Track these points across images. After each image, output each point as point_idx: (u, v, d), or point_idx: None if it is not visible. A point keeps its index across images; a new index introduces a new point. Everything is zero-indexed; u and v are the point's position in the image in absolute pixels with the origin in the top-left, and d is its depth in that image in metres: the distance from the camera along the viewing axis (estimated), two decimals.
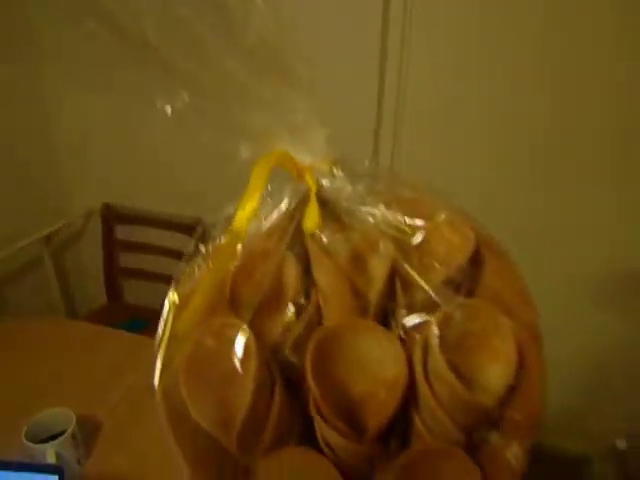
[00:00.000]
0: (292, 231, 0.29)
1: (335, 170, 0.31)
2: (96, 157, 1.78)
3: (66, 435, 0.80)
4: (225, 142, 0.29)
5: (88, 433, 0.88)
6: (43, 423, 0.83)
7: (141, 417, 0.95)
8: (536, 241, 1.33)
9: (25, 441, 0.78)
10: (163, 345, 0.27)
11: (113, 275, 1.87)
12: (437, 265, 0.28)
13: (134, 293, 1.94)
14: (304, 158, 0.31)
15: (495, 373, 0.25)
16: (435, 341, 0.23)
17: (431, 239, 0.28)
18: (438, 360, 0.23)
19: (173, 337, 0.27)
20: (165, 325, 0.27)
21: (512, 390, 0.25)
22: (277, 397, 0.25)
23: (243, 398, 0.25)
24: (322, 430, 0.25)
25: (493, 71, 1.22)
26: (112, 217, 1.82)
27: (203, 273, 0.27)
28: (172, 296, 0.28)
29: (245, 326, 0.25)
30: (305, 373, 0.25)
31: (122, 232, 1.84)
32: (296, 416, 0.27)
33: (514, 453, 0.24)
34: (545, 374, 0.25)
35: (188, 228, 1.64)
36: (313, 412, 0.26)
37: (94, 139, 1.73)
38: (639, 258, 1.32)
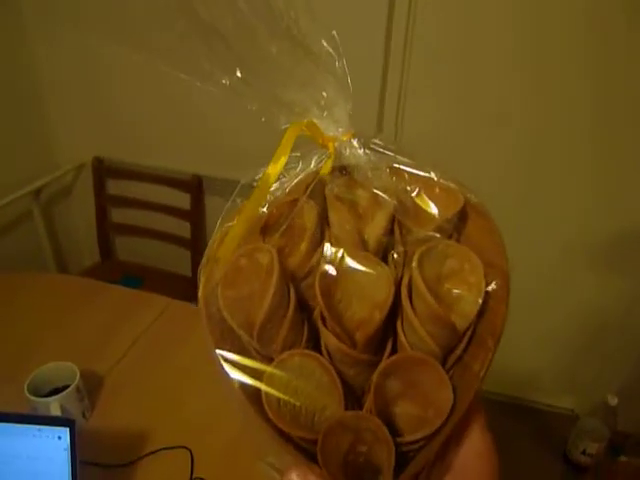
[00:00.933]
0: (314, 185, 0.37)
1: (353, 141, 0.38)
2: (87, 109, 1.70)
3: (71, 388, 0.80)
4: (266, 113, 0.37)
5: (90, 388, 0.90)
6: (45, 377, 0.82)
7: (143, 371, 0.99)
8: (534, 210, 1.40)
9: (28, 394, 0.77)
10: (208, 265, 0.34)
11: (105, 231, 1.78)
12: (430, 217, 0.34)
13: (127, 250, 1.88)
14: (329, 130, 0.38)
15: (468, 301, 0.31)
16: (415, 264, 0.29)
17: (426, 198, 0.35)
18: (417, 279, 0.29)
19: (215, 260, 0.34)
20: (209, 250, 0.35)
21: (481, 314, 0.31)
22: (290, 311, 0.32)
23: (263, 307, 0.31)
24: (324, 336, 0.32)
25: (495, 51, 1.30)
26: (103, 171, 1.74)
27: (240, 211, 0.35)
28: (217, 229, 0.35)
29: (272, 248, 0.32)
30: (315, 291, 0.31)
31: (114, 187, 1.76)
32: (304, 331, 0.34)
33: (479, 365, 0.30)
34: (508, 304, 0.31)
35: (182, 184, 1.61)
36: (319, 323, 0.32)
37: (84, 90, 1.66)
38: (630, 225, 1.38)
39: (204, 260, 0.35)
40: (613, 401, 1.41)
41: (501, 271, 0.32)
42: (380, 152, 0.38)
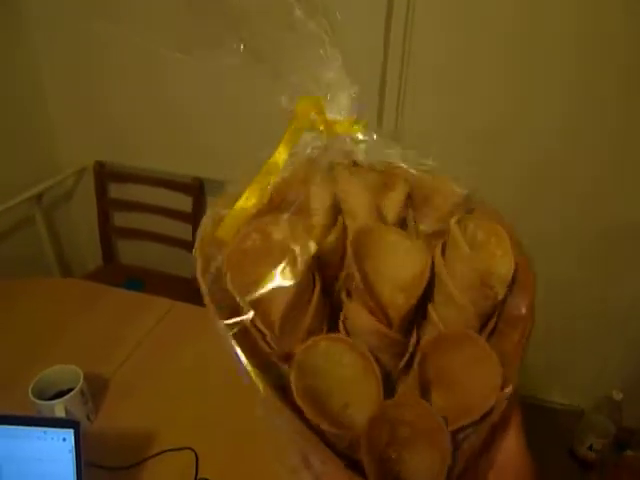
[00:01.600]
0: (322, 168, 0.36)
1: (357, 126, 0.37)
2: (88, 113, 1.69)
3: (75, 391, 0.79)
4: (270, 95, 0.36)
5: (95, 391, 0.88)
6: (49, 380, 0.81)
7: (147, 373, 0.97)
8: (532, 209, 1.39)
9: (32, 397, 0.76)
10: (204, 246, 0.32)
11: (107, 235, 1.77)
12: (442, 201, 0.33)
13: (129, 253, 1.87)
14: (332, 114, 0.37)
15: (500, 271, 0.30)
16: (455, 227, 0.28)
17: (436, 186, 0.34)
18: (457, 236, 0.28)
19: (213, 240, 0.32)
20: (204, 229, 0.33)
21: (513, 286, 0.30)
22: (316, 297, 0.30)
23: (288, 292, 0.29)
24: (353, 315, 0.30)
25: (500, 34, 1.26)
26: (105, 175, 1.73)
27: (246, 188, 0.33)
28: (212, 209, 0.34)
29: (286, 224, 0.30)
30: (347, 259, 0.30)
31: (115, 191, 1.75)
32: (326, 320, 0.32)
33: (518, 336, 0.29)
34: (535, 275, 0.30)
35: (184, 187, 1.61)
36: (342, 295, 0.31)
37: (85, 93, 1.66)
38: (630, 223, 1.38)
39: (197, 243, 0.33)
40: (618, 396, 1.40)
41: (518, 244, 0.32)
42: (383, 139, 0.37)
